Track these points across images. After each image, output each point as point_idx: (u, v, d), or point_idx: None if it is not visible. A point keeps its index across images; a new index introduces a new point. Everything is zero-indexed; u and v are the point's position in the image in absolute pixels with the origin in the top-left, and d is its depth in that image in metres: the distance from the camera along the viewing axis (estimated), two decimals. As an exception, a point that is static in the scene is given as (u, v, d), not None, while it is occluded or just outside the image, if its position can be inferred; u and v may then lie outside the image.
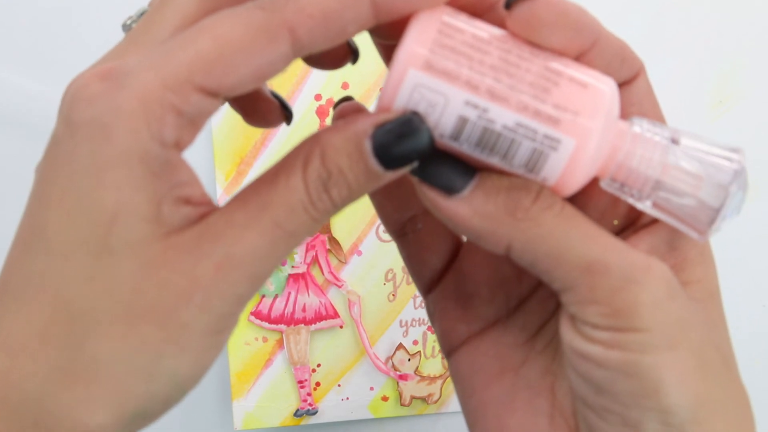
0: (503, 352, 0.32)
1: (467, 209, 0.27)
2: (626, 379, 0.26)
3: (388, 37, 0.27)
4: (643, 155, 0.26)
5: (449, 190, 0.27)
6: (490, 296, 0.32)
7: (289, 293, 0.54)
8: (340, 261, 0.55)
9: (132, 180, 0.24)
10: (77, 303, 0.24)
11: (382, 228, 0.55)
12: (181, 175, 0.25)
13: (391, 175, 0.26)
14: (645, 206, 0.27)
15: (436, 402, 0.54)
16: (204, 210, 0.26)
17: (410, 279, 0.54)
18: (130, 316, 0.24)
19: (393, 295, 0.54)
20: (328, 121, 0.54)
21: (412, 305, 0.54)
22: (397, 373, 0.55)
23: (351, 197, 0.27)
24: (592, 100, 0.25)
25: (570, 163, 0.25)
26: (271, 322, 0.54)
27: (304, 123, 0.54)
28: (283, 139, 0.54)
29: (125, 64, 0.25)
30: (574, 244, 0.26)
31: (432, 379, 0.55)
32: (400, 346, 0.55)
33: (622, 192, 0.27)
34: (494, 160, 0.26)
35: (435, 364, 0.55)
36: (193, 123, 0.25)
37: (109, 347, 0.24)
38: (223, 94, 0.24)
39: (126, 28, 0.32)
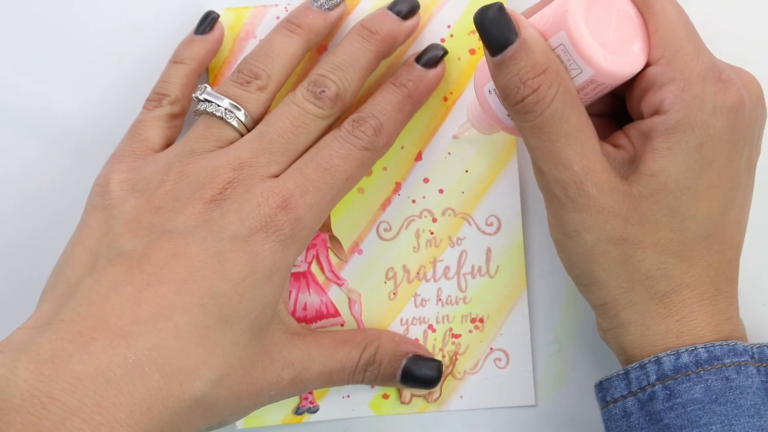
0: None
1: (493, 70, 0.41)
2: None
3: None
4: None
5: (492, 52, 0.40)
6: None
7: (290, 292, 0.54)
8: (340, 259, 0.55)
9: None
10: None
11: (383, 226, 0.55)
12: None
13: (399, 385, 0.51)
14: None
15: (436, 400, 0.54)
16: (293, 324, 0.49)
17: (411, 278, 0.54)
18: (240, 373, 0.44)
19: (394, 293, 0.54)
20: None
21: (413, 304, 0.54)
22: (398, 371, 0.55)
23: (373, 382, 0.50)
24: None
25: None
26: (272, 320, 0.54)
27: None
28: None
29: (293, 201, 0.45)
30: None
31: (432, 377, 0.55)
32: (401, 345, 0.55)
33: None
34: None
35: (435, 362, 0.55)
36: None
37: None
38: None
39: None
